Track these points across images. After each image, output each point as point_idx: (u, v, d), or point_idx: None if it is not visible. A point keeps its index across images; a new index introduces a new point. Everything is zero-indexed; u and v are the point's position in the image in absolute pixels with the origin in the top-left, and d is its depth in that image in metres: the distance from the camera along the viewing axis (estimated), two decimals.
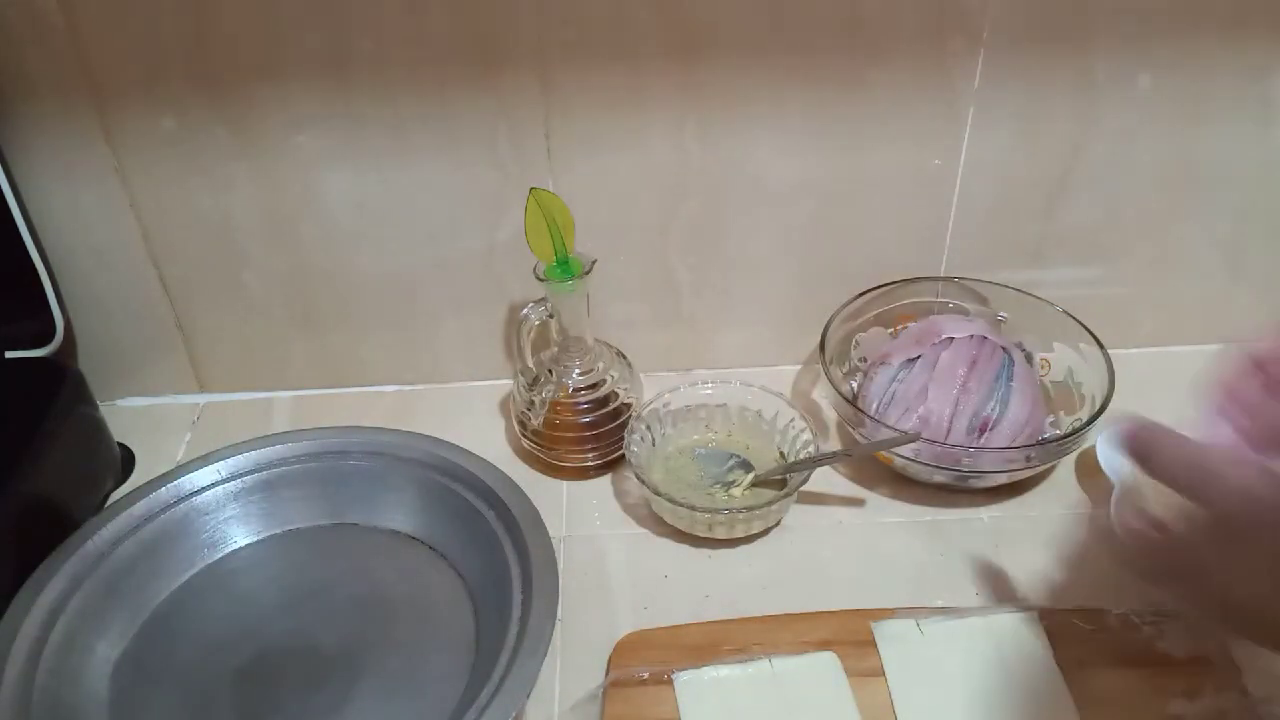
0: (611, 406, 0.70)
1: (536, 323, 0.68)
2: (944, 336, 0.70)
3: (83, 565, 0.60)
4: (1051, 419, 0.70)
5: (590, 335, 0.70)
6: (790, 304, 0.78)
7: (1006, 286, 0.75)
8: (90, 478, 0.70)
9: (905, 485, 0.70)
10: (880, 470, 0.71)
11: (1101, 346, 0.69)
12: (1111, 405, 0.65)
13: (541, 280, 0.65)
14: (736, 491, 0.68)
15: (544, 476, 0.71)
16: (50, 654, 0.56)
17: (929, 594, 0.62)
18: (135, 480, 0.73)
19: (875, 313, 0.76)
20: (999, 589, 0.62)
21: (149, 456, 0.75)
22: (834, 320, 0.73)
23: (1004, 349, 0.69)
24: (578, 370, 0.69)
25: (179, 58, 0.64)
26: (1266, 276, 0.77)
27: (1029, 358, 0.72)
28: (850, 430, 0.70)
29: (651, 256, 0.75)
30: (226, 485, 0.66)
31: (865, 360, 0.74)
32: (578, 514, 0.69)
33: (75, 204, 0.70)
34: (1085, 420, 0.66)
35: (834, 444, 0.74)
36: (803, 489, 0.65)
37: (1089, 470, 0.69)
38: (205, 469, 0.66)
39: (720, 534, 0.65)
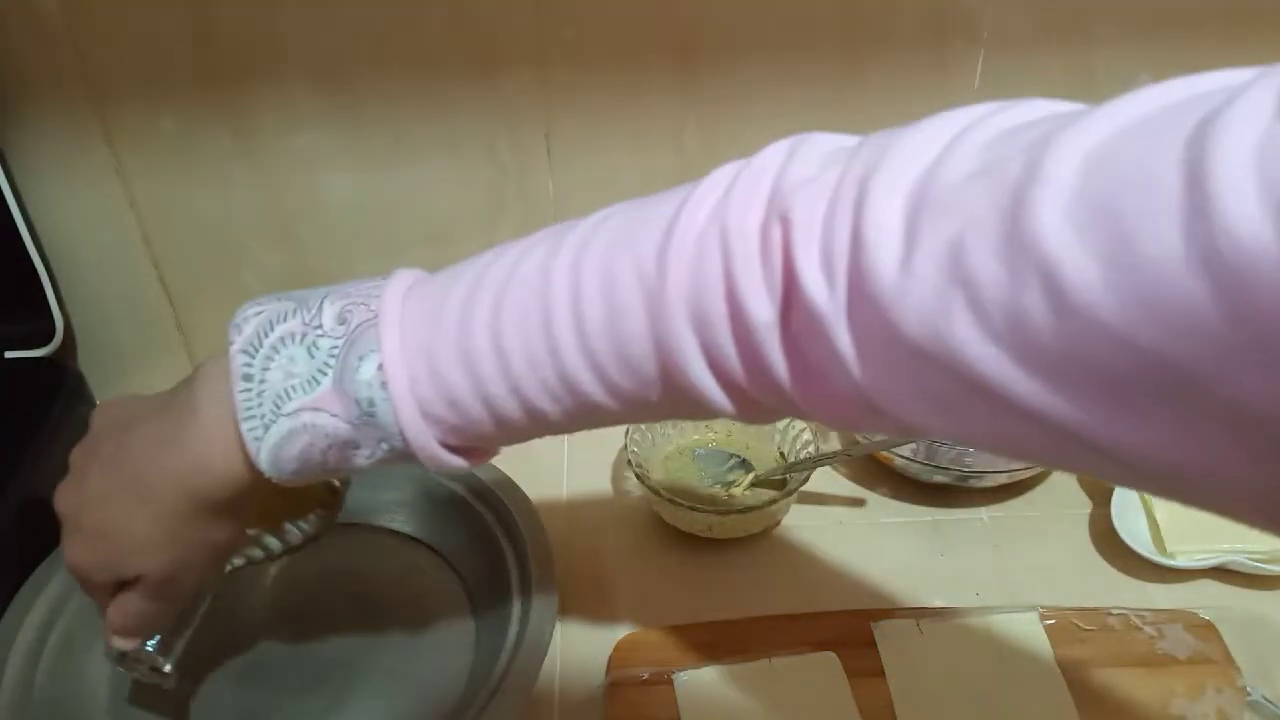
0: None
1: None
2: None
3: None
4: None
5: None
6: None
7: None
8: None
9: (905, 485, 0.70)
10: (880, 470, 0.71)
11: None
12: None
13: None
14: (736, 491, 0.68)
15: (544, 476, 0.71)
16: (50, 655, 0.56)
17: (929, 594, 0.62)
18: None
19: None
20: (999, 589, 0.62)
21: None
22: None
23: None
24: None
25: (179, 58, 0.64)
26: None
27: None
28: (850, 430, 0.70)
29: None
30: None
31: None
32: (578, 514, 0.69)
33: (75, 204, 0.70)
34: None
35: (834, 444, 0.74)
36: (803, 489, 0.65)
37: None
38: None
39: (720, 534, 0.65)
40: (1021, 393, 0.26)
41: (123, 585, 0.45)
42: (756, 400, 0.36)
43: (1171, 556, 0.61)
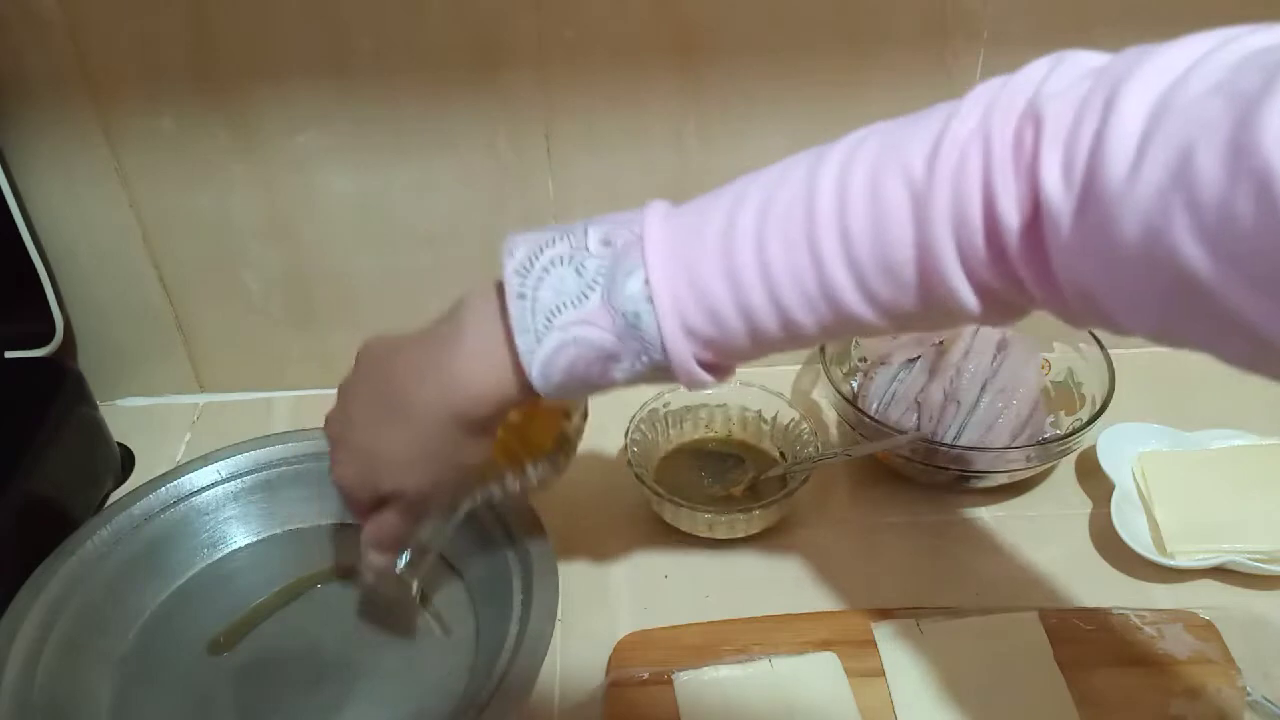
0: None
1: None
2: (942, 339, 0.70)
3: (82, 565, 0.60)
4: (1051, 419, 0.70)
5: None
6: None
7: None
8: (90, 478, 0.70)
9: (905, 485, 0.70)
10: (880, 470, 0.71)
11: (1102, 346, 0.69)
12: (1112, 405, 0.65)
13: None
14: (736, 491, 0.68)
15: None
16: (50, 654, 0.56)
17: (929, 594, 0.62)
18: (135, 480, 0.73)
19: None
20: (999, 589, 0.62)
21: (149, 456, 0.75)
22: None
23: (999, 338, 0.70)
24: None
25: (179, 57, 0.64)
26: None
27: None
28: (850, 430, 0.70)
29: None
30: (226, 485, 0.66)
31: (865, 360, 0.74)
32: (578, 514, 0.69)
33: (75, 204, 0.70)
34: (1085, 420, 0.65)
35: (834, 444, 0.74)
36: (803, 489, 0.65)
37: (1089, 470, 0.69)
38: (205, 469, 0.66)
39: (720, 534, 0.65)
40: (1227, 295, 0.29)
41: (382, 502, 0.49)
42: (1000, 299, 0.38)
43: (1171, 556, 0.61)
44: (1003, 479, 0.67)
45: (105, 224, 0.71)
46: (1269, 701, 0.53)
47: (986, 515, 0.68)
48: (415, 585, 0.57)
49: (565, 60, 0.65)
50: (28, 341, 0.71)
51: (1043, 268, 0.36)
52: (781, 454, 0.70)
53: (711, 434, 0.72)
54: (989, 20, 0.65)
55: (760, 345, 0.41)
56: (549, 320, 0.41)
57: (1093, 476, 0.68)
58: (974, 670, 0.56)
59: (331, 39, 0.64)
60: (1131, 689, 0.55)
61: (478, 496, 0.55)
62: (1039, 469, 0.68)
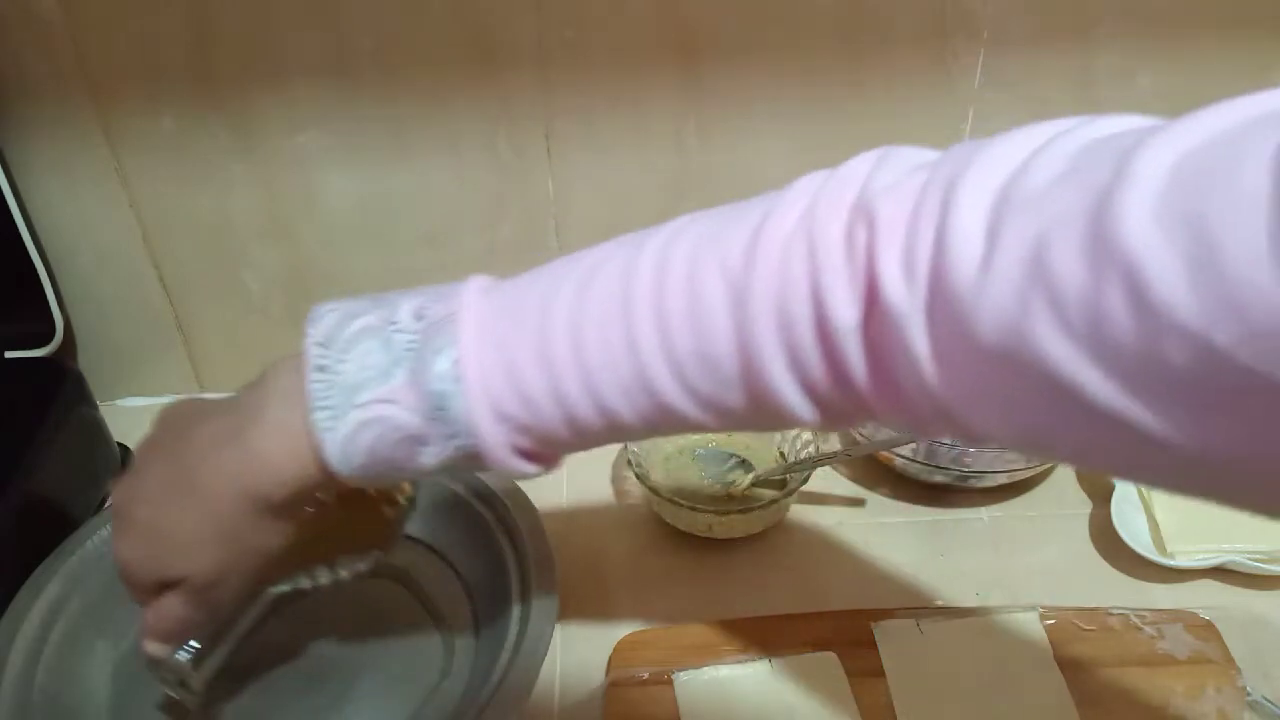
0: None
1: None
2: None
3: (82, 565, 0.59)
4: None
5: None
6: None
7: None
8: (90, 477, 0.70)
9: (905, 485, 0.70)
10: (880, 470, 0.71)
11: None
12: None
13: None
14: (736, 491, 0.68)
15: (543, 476, 0.71)
16: (50, 654, 0.56)
17: (929, 594, 0.62)
18: None
19: None
20: (999, 589, 0.62)
21: None
22: None
23: None
24: None
25: (179, 57, 0.64)
26: None
27: None
28: (850, 430, 0.70)
29: None
30: None
31: None
32: (578, 514, 0.69)
33: (75, 204, 0.70)
34: None
35: (834, 444, 0.74)
36: (803, 489, 0.65)
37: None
38: None
39: (720, 534, 0.65)
40: (1098, 394, 0.27)
41: (165, 587, 0.44)
42: (834, 405, 0.36)
43: (1171, 556, 0.61)
44: (1002, 479, 0.67)
45: (105, 224, 0.71)
46: (1269, 701, 0.53)
47: (986, 515, 0.68)
48: (197, 682, 0.50)
49: (565, 60, 0.65)
50: (28, 341, 0.71)
51: (884, 374, 0.33)
52: (781, 454, 0.70)
53: (711, 434, 0.72)
54: (989, 20, 0.65)
55: (582, 436, 0.39)
56: (350, 396, 0.38)
57: (1093, 476, 0.68)
58: (974, 670, 0.56)
59: (331, 39, 0.64)
60: (1131, 689, 0.55)
61: (280, 587, 0.49)
62: (1039, 469, 0.68)
